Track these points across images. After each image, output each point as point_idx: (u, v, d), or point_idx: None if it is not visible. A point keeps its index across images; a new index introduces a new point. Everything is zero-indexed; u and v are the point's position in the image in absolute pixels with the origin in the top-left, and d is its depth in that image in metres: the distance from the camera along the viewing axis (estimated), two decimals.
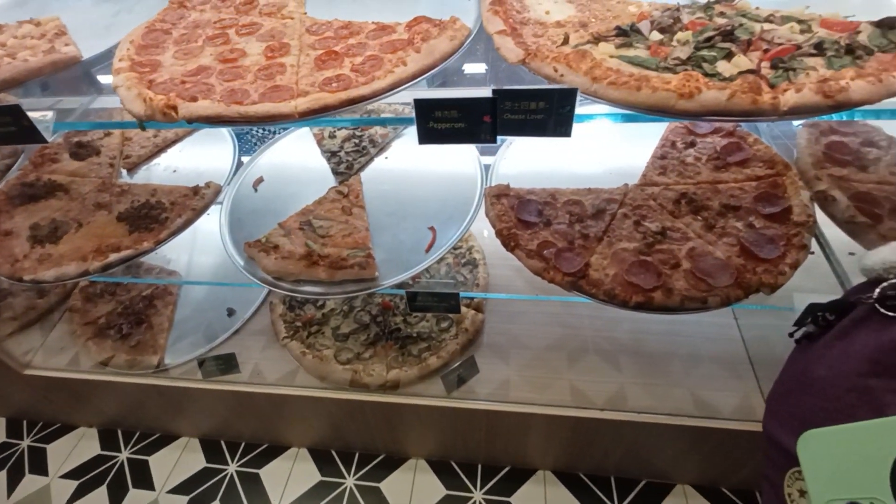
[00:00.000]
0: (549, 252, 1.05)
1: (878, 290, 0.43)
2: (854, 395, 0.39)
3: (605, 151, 1.31)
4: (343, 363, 1.39)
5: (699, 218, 1.09)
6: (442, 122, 0.70)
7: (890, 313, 0.41)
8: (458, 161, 1.33)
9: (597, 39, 0.78)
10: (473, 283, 1.51)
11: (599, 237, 1.08)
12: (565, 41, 0.78)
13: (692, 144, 1.24)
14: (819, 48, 0.69)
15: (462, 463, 1.56)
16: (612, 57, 0.74)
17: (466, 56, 0.88)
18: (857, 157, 1.13)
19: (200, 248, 1.67)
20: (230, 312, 1.59)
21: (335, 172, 1.38)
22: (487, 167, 1.31)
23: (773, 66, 0.68)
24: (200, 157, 1.53)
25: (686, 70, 0.68)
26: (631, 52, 0.75)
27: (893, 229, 1.00)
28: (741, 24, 0.76)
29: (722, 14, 0.80)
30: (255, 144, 1.57)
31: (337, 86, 0.78)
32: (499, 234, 1.10)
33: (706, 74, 0.67)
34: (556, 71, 0.72)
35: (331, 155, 1.42)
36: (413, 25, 0.88)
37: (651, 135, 1.30)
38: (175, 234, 1.23)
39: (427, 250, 1.14)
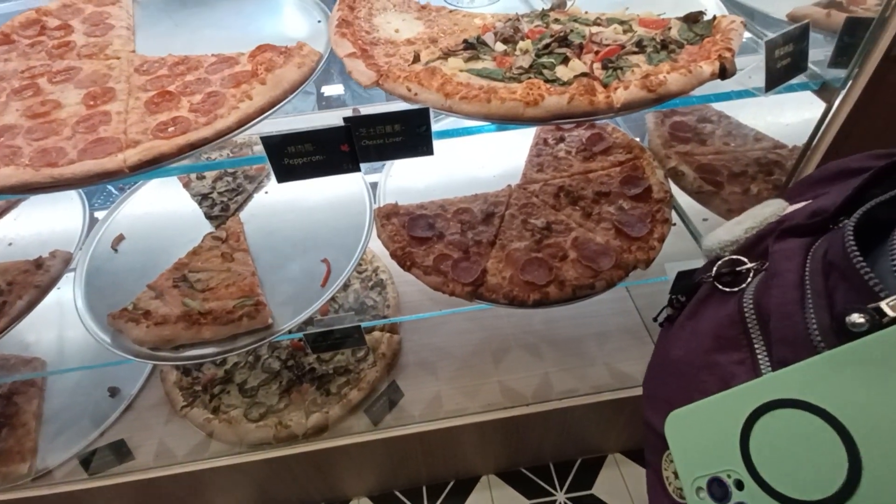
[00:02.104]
0: (446, 265, 1.05)
1: (714, 269, 0.47)
2: (706, 372, 0.41)
3: (488, 156, 1.35)
4: (256, 420, 1.27)
5: (578, 208, 1.16)
6: (298, 158, 0.66)
7: (726, 289, 0.45)
8: (344, 184, 1.28)
9: (447, 54, 0.79)
10: (384, 305, 1.47)
11: (492, 241, 1.10)
12: (416, 59, 0.78)
13: (562, 139, 1.32)
14: (640, 46, 0.76)
15: (406, 490, 1.51)
16: (462, 71, 0.75)
17: (325, 78, 0.84)
18: (696, 133, 1.29)
19: (67, 323, 1.44)
20: (113, 392, 1.38)
21: (209, 217, 1.25)
22: (375, 185, 1.28)
23: (604, 67, 0.73)
24: (42, 222, 1.31)
25: (530, 78, 0.71)
26: (479, 65, 0.76)
27: (734, 193, 1.14)
28: (573, 30, 0.81)
29: (557, 21, 0.86)
30: (111, 198, 1.38)
31: (174, 129, 0.70)
32: (393, 255, 1.08)
33: (547, 80, 0.70)
34: (409, 90, 0.71)
35: (202, 198, 1.29)
36: (256, 55, 0.82)
37: (529, 134, 1.36)
38: (16, 320, 1.03)
39: (323, 284, 1.07)
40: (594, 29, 0.81)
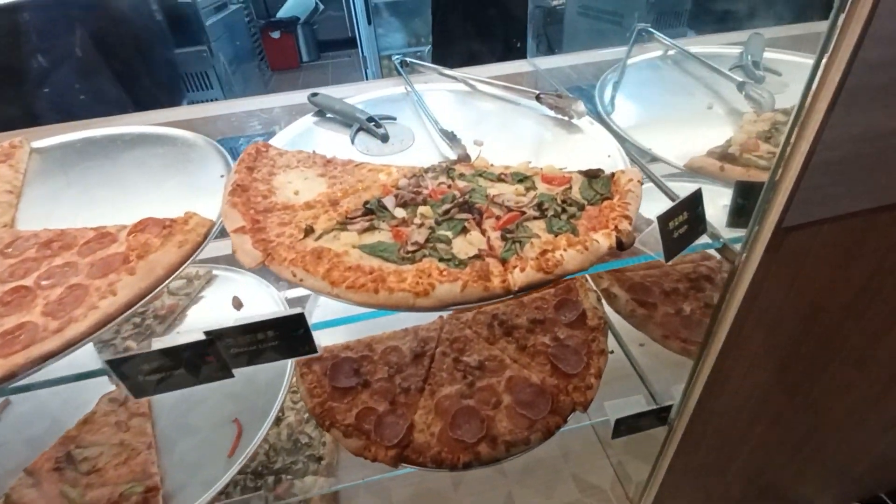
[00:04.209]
0: (369, 422, 0.95)
1: None
2: None
3: None
4: None
5: (512, 339, 1.10)
6: (155, 373, 0.57)
7: None
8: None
9: (343, 224, 0.75)
10: (320, 442, 1.33)
11: (420, 388, 1.01)
12: (308, 231, 0.73)
13: None
14: (540, 208, 0.74)
15: None
16: (355, 247, 0.70)
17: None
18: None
19: None
20: None
21: (109, 372, 1.12)
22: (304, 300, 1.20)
23: (504, 238, 0.70)
24: None
25: (425, 255, 0.67)
26: (375, 238, 0.72)
27: (667, 315, 1.11)
28: (475, 189, 0.79)
29: (462, 175, 0.84)
30: None
31: (25, 338, 0.61)
32: (312, 412, 0.97)
33: (442, 260, 0.66)
34: (294, 276, 0.66)
35: (103, 346, 1.17)
36: (137, 231, 0.76)
37: None
38: None
39: (230, 454, 0.95)
40: (495, 189, 0.79)
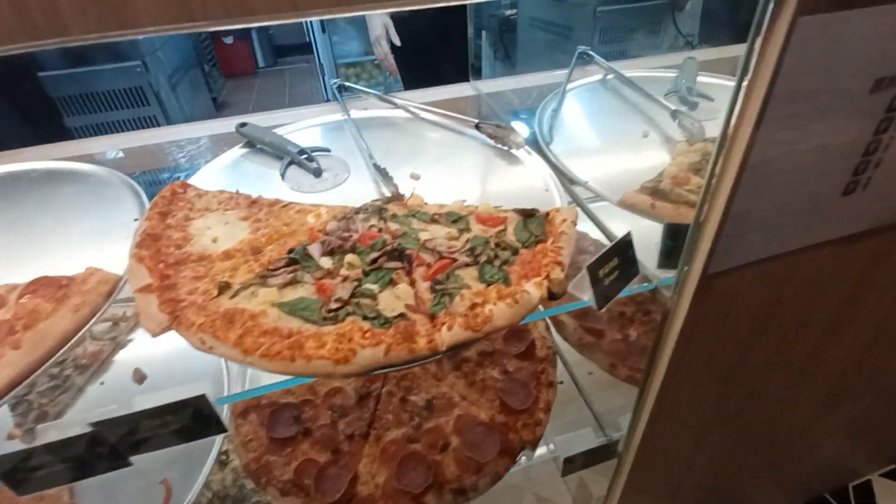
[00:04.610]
0: (309, 477, 0.89)
1: None
2: None
3: None
4: None
5: (461, 374, 1.07)
6: (36, 470, 0.51)
7: None
8: (199, 367, 1.11)
9: (264, 277, 0.69)
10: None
11: (365, 433, 0.97)
12: (223, 289, 0.67)
13: None
14: (473, 254, 0.71)
15: None
16: (274, 305, 0.65)
17: None
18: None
19: None
20: None
21: (21, 426, 1.02)
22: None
23: (433, 290, 0.66)
24: None
25: (348, 313, 0.63)
26: (297, 293, 0.67)
27: (615, 341, 1.11)
28: (406, 233, 0.75)
29: (394, 216, 0.80)
30: None
31: None
32: (246, 469, 0.91)
33: (367, 318, 0.62)
34: (203, 343, 0.60)
35: (15, 404, 1.06)
36: (30, 291, 0.68)
37: None
38: None
39: None
40: (428, 233, 0.75)
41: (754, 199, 0.58)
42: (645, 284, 0.73)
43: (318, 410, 1.01)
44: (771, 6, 0.44)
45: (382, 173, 0.90)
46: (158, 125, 2.94)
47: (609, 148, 1.01)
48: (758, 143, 0.52)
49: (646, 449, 0.94)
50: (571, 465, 0.93)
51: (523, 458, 0.95)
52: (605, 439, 0.96)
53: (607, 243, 0.80)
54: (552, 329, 1.15)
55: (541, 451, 0.99)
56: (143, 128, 2.72)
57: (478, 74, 1.53)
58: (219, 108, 4.96)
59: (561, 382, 1.06)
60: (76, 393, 1.09)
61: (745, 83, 0.50)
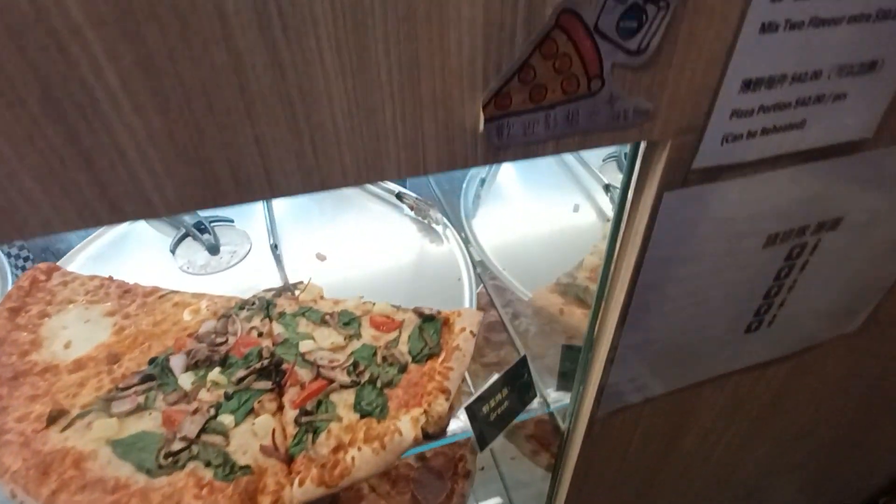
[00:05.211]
0: None
1: None
2: None
3: None
4: None
5: None
6: None
7: None
8: None
9: (109, 400, 0.61)
10: None
11: None
12: (54, 418, 0.58)
13: None
14: (356, 369, 0.64)
15: None
16: (108, 443, 0.56)
17: None
18: (488, 341, 1.21)
19: None
20: None
21: None
22: None
23: (297, 422, 0.59)
24: None
25: (192, 457, 0.55)
26: (141, 424, 0.59)
27: (540, 423, 1.05)
28: (287, 340, 0.68)
29: (282, 315, 0.72)
30: None
31: None
32: None
33: (210, 465, 0.54)
34: (14, 496, 0.51)
35: None
36: None
37: None
38: None
39: None
40: (310, 342, 0.68)
41: (643, 342, 0.52)
42: (541, 409, 0.66)
43: None
44: (634, 182, 0.38)
45: (276, 258, 0.83)
46: None
47: (536, 224, 0.95)
48: (636, 294, 0.45)
49: None
50: None
51: None
52: None
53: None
54: None
55: None
56: None
57: None
58: None
59: (482, 468, 0.99)
60: None
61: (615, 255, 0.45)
